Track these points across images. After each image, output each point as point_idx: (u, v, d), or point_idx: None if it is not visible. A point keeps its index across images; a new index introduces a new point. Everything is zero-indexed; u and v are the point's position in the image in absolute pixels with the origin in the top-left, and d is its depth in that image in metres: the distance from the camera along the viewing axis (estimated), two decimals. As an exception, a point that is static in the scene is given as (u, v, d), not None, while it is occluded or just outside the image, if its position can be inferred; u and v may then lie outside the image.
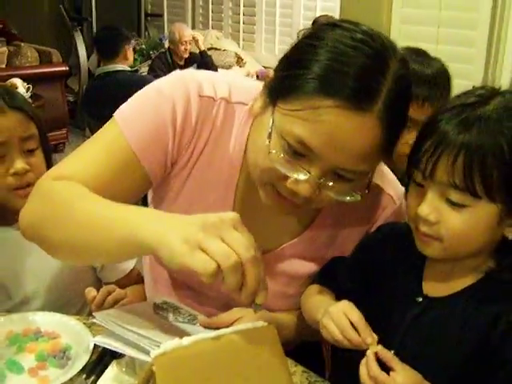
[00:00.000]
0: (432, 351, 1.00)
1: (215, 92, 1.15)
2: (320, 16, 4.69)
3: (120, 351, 1.04)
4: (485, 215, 0.93)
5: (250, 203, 1.16)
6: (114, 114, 1.14)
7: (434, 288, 1.04)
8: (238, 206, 1.19)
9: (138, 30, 7.12)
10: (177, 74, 1.20)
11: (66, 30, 6.57)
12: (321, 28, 1.02)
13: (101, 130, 1.14)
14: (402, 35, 3.18)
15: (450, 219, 0.95)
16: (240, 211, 1.16)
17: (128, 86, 4.23)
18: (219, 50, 6.07)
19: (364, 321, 0.98)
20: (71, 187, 1.05)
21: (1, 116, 1.38)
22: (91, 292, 1.32)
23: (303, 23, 5.49)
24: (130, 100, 1.15)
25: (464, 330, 0.97)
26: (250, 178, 1.12)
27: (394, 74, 0.96)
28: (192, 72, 1.21)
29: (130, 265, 1.58)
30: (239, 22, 6.46)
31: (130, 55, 4.31)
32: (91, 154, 1.11)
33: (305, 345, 1.26)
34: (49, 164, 1.47)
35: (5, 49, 5.61)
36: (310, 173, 0.98)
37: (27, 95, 3.91)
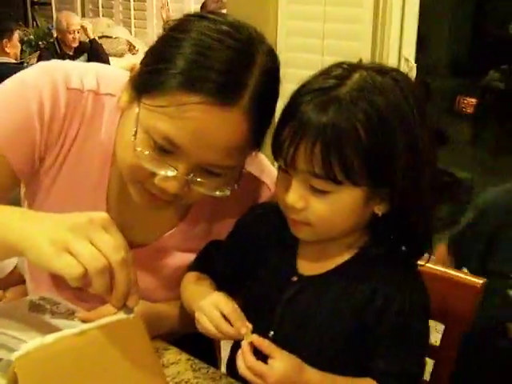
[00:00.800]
0: (309, 331, 1.00)
1: (82, 84, 1.11)
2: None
3: None
4: (350, 199, 0.93)
5: (124, 198, 1.14)
6: None
7: (309, 267, 1.04)
8: (111, 201, 1.17)
9: (24, 19, 6.87)
10: (42, 64, 1.16)
11: None
12: (187, 20, 1.00)
13: None
14: (289, 31, 3.20)
15: (316, 205, 0.93)
16: (114, 207, 1.15)
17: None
18: (111, 37, 5.94)
19: (236, 311, 0.97)
20: None
21: None
22: None
23: (194, 7, 5.45)
24: None
25: (339, 306, 0.98)
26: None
27: (261, 67, 0.95)
28: (58, 62, 1.16)
29: (8, 265, 1.53)
30: (130, 9, 6.35)
31: (13, 47, 4.15)
32: None
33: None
34: None
35: None
36: (177, 169, 0.97)
37: None
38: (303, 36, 3.16)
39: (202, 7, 4.69)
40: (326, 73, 0.95)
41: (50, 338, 0.84)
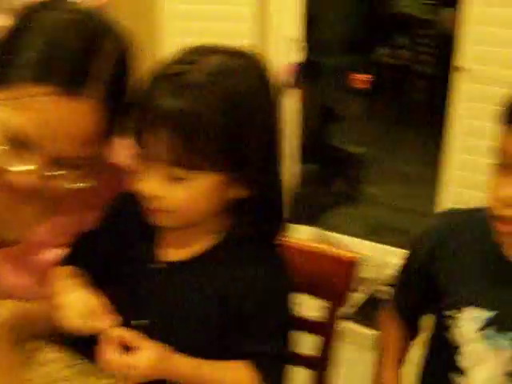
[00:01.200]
0: (177, 319, 1.00)
1: None
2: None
3: None
4: (207, 184, 0.93)
5: None
6: None
7: (173, 254, 1.03)
8: None
9: None
10: None
11: None
12: (33, 9, 0.97)
13: None
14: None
15: (175, 193, 0.93)
16: None
17: None
18: None
19: (103, 305, 0.95)
20: None
21: None
22: None
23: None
24: None
25: (205, 293, 0.98)
26: None
27: (109, 54, 0.94)
28: None
29: None
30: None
31: None
32: None
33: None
34: None
35: None
36: (34, 163, 0.94)
37: None
38: (188, 20, 3.14)
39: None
40: (180, 57, 0.94)
41: None
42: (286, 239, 1.07)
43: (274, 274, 0.99)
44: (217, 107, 0.88)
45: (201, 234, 1.02)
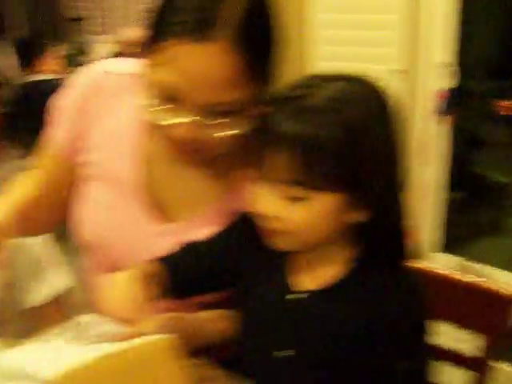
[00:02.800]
0: (324, 348, 1.00)
1: (112, 69, 1.29)
2: None
3: None
4: (326, 206, 0.93)
5: (166, 169, 1.23)
6: None
7: (303, 283, 1.04)
8: (149, 173, 1.25)
9: (61, 35, 6.98)
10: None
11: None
12: None
13: None
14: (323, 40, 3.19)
15: (292, 214, 0.94)
16: (151, 179, 1.24)
17: (53, 94, 4.17)
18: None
19: (145, 299, 0.97)
20: None
21: None
22: None
23: None
24: None
25: (350, 320, 0.98)
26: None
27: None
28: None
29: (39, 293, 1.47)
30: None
31: (53, 63, 4.23)
32: None
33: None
34: None
35: None
36: (184, 115, 1.02)
37: None
38: (337, 45, 3.16)
39: None
40: (301, 82, 0.97)
41: (90, 357, 0.85)
42: (427, 266, 1.05)
43: (415, 298, 0.99)
44: (336, 130, 0.90)
45: (328, 261, 1.02)
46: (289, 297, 1.03)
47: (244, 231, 1.11)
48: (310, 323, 1.01)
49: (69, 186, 1.35)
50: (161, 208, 1.25)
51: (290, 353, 1.02)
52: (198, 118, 1.02)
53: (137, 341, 0.90)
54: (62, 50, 5.81)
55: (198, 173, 1.23)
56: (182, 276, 1.11)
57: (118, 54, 5.39)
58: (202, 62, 0.97)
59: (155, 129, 1.11)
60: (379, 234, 0.99)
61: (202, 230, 1.21)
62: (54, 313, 1.48)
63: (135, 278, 1.00)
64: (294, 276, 1.05)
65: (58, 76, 4.43)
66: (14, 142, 5.42)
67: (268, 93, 1.07)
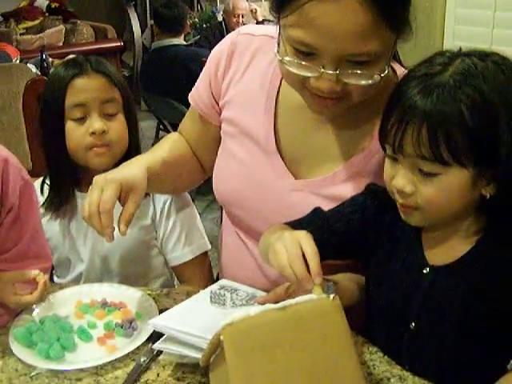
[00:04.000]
0: (445, 318, 1.01)
1: (254, 31, 1.34)
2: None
3: (181, 353, 1.06)
4: (457, 180, 0.95)
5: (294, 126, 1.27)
6: None
7: (436, 257, 1.04)
8: (281, 129, 1.28)
9: (190, 2, 7.12)
10: None
11: (120, 6, 6.62)
12: None
13: None
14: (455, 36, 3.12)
15: (425, 189, 0.96)
16: (283, 136, 1.28)
17: (183, 59, 4.28)
18: (272, 21, 6.01)
19: (317, 258, 0.97)
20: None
21: (85, 78, 1.45)
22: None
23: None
24: None
25: (472, 297, 0.99)
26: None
27: None
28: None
29: (199, 247, 1.55)
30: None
31: (186, 30, 4.34)
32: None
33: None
34: (132, 130, 1.51)
35: (62, 27, 5.71)
36: (323, 67, 1.04)
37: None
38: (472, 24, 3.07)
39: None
40: (429, 61, 0.99)
41: (254, 311, 0.87)
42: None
43: None
44: (467, 106, 0.91)
45: (459, 235, 1.03)
46: (426, 271, 1.04)
47: (377, 205, 1.12)
48: (449, 295, 1.01)
49: (210, 145, 1.40)
50: (293, 164, 1.28)
51: (426, 324, 1.03)
52: (339, 70, 1.04)
53: (305, 297, 0.91)
54: (190, 17, 5.95)
55: (330, 130, 1.25)
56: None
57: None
58: (338, 16, 0.99)
59: (292, 84, 1.14)
60: (506, 208, 0.99)
61: (332, 187, 1.23)
62: (194, 271, 1.53)
63: (307, 237, 1.01)
64: (429, 250, 1.06)
65: (186, 42, 4.55)
66: (138, 102, 5.64)
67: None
